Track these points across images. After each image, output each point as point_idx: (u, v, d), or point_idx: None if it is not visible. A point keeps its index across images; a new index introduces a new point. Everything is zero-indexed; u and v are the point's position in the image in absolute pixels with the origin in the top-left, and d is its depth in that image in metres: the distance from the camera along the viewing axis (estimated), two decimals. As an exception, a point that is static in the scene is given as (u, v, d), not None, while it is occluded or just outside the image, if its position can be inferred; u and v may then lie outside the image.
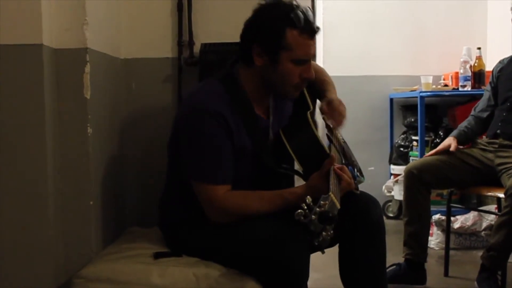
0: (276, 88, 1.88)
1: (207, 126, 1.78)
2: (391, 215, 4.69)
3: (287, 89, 1.87)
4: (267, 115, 1.96)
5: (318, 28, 1.85)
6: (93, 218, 2.02)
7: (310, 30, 1.81)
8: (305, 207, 1.38)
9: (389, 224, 4.41)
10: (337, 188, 1.65)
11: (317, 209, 1.37)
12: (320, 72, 2.21)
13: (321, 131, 2.01)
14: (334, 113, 2.03)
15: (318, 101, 2.16)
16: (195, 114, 1.81)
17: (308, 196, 1.47)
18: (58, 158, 1.94)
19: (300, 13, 1.79)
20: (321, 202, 1.40)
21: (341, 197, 1.63)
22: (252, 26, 1.85)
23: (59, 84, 1.95)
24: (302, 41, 1.79)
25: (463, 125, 3.17)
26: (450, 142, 3.03)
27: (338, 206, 1.43)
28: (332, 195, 1.45)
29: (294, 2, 1.85)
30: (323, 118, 2.07)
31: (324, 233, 1.37)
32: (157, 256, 1.86)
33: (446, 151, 3.01)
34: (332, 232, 1.39)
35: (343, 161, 1.92)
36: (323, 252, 1.49)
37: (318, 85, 2.15)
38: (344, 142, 2.17)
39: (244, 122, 1.84)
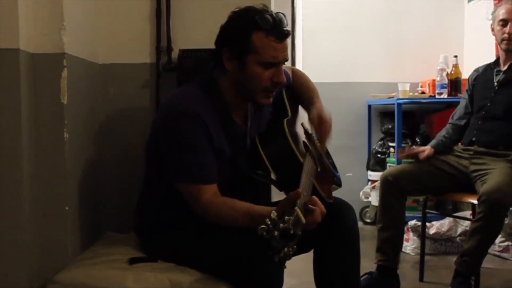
0: (247, 92, 1.87)
1: (185, 127, 1.78)
2: (368, 220, 4.73)
3: (257, 93, 1.85)
4: (245, 122, 1.96)
5: (288, 31, 1.83)
6: (69, 223, 2.01)
7: (277, 32, 1.79)
8: (269, 222, 1.32)
9: (366, 229, 4.47)
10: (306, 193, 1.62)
11: (281, 224, 1.31)
12: (303, 78, 2.22)
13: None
14: (322, 128, 2.03)
15: (300, 107, 2.16)
16: (172, 117, 1.81)
17: (273, 211, 1.40)
18: (34, 163, 1.93)
19: (268, 16, 1.79)
20: (286, 217, 1.34)
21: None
22: (223, 31, 1.87)
23: (36, 89, 1.94)
24: (268, 43, 1.79)
25: (441, 134, 3.21)
26: (426, 149, 3.08)
27: (304, 220, 1.38)
28: (298, 210, 1.40)
29: (265, 7, 1.85)
30: (301, 124, 2.07)
31: (286, 249, 1.30)
32: (133, 261, 1.86)
33: (418, 159, 3.05)
34: (295, 247, 1.32)
35: (319, 169, 1.94)
36: (284, 267, 1.45)
37: (302, 91, 2.15)
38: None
39: (222, 127, 1.85)
